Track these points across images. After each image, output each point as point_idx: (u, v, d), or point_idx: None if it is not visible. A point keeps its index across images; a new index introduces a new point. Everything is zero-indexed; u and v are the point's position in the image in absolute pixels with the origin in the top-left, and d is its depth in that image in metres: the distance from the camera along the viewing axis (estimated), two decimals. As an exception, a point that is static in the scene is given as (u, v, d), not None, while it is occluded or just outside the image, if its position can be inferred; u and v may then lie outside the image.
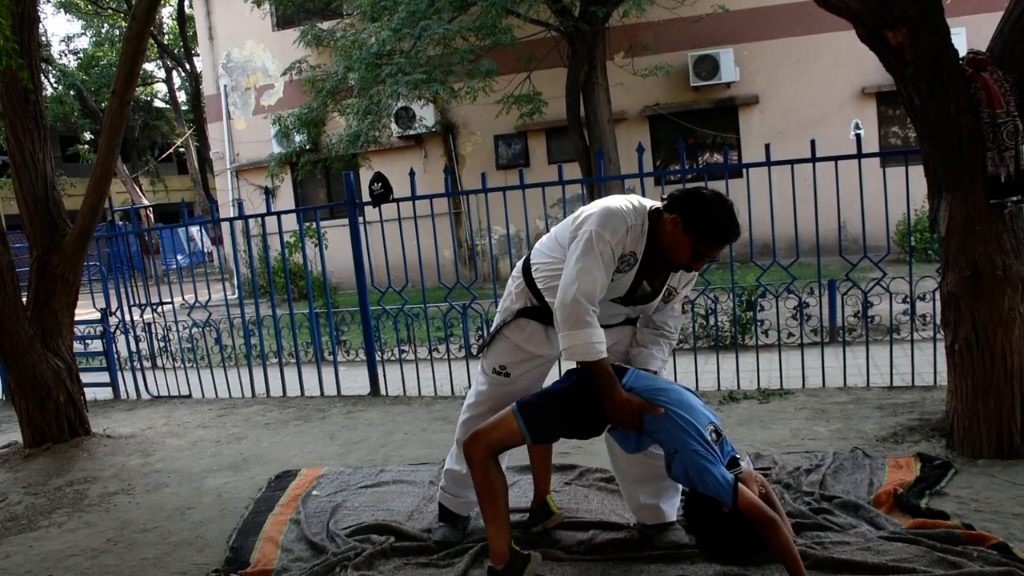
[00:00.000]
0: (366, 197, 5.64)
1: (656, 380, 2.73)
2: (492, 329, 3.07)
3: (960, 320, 3.53)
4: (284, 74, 14.00)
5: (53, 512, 4.06)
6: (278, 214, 6.10)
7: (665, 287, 2.87)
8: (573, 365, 2.81)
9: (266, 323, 6.99)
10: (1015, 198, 3.37)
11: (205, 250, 20.87)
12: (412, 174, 5.71)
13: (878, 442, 3.94)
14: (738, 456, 2.65)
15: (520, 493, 3.54)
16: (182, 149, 25.40)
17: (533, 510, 3.21)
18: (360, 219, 5.96)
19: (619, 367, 2.76)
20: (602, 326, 2.84)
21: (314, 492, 3.89)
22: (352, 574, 2.91)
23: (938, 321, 4.03)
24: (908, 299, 5.13)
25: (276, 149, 14.34)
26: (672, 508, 3.00)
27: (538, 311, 2.92)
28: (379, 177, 5.50)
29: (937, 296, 4.11)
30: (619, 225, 2.66)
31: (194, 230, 19.85)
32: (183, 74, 25.73)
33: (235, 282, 8.74)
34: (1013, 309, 3.43)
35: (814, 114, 12.83)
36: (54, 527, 3.85)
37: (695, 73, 13.15)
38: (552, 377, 3.04)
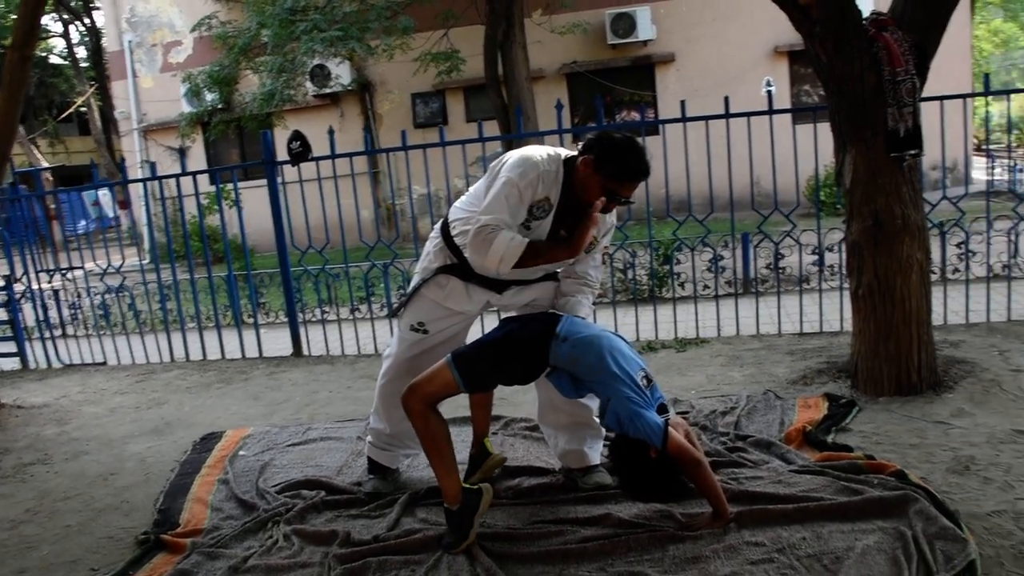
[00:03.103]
0: (283, 156, 5.53)
1: (590, 327, 2.81)
2: (410, 289, 3.10)
3: (863, 267, 3.73)
4: (193, 30, 13.42)
5: (-35, 484, 3.93)
6: (193, 174, 5.94)
7: None
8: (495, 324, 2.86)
9: (183, 287, 6.82)
10: (912, 152, 3.57)
11: (111, 215, 20.04)
12: (331, 132, 5.63)
13: (789, 384, 4.14)
14: (666, 402, 2.76)
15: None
16: (83, 109, 24.23)
17: (471, 456, 3.25)
18: (279, 179, 5.85)
19: (552, 314, 2.83)
20: (523, 282, 2.92)
21: (241, 452, 3.88)
22: (284, 528, 2.93)
23: (844, 270, 4.24)
24: (817, 250, 5.36)
25: (186, 108, 13.80)
26: (595, 452, 3.11)
27: (457, 268, 2.96)
28: (297, 135, 5.40)
29: (843, 247, 4.31)
30: (530, 170, 2.73)
31: (99, 194, 19.05)
32: (82, 29, 24.47)
33: (146, 247, 8.48)
34: (911, 256, 3.65)
35: (729, 72, 13.07)
36: (-33, 499, 3.73)
37: (612, 31, 13.22)
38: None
